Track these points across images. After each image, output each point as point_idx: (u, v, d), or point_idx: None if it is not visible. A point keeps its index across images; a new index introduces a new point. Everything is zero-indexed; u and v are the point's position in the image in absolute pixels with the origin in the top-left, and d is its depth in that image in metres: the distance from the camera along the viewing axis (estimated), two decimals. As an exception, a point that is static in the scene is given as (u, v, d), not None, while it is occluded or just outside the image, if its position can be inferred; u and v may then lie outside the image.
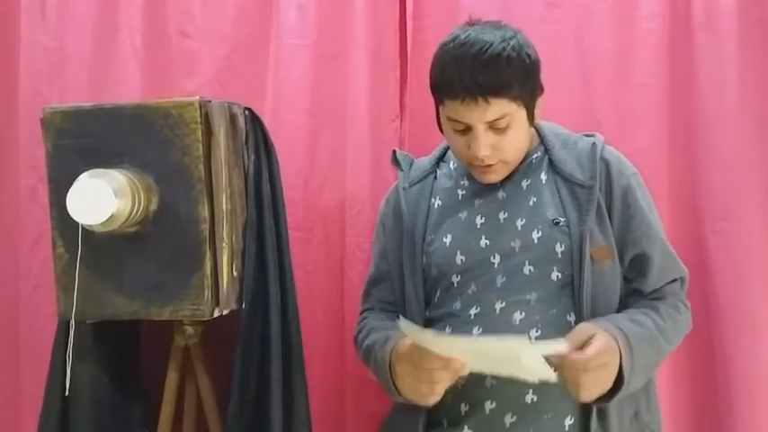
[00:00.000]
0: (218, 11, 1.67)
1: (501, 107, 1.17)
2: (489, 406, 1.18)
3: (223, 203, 1.30)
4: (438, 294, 1.28)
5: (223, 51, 1.67)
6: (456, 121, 1.20)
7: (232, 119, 1.36)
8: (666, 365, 1.52)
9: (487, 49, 1.15)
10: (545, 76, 1.57)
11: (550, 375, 1.04)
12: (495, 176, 1.26)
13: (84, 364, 1.38)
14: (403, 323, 1.13)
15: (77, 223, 1.23)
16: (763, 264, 1.51)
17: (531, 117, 1.24)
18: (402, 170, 1.38)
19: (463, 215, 1.29)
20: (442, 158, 1.39)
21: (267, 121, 1.47)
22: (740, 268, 1.50)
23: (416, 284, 1.29)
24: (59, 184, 1.28)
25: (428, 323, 1.27)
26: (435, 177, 1.36)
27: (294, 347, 1.41)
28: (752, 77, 1.53)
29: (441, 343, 1.09)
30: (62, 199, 1.21)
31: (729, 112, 1.52)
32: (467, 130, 1.20)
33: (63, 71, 1.68)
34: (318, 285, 1.61)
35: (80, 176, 1.21)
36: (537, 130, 1.31)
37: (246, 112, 1.42)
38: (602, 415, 1.17)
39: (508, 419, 1.17)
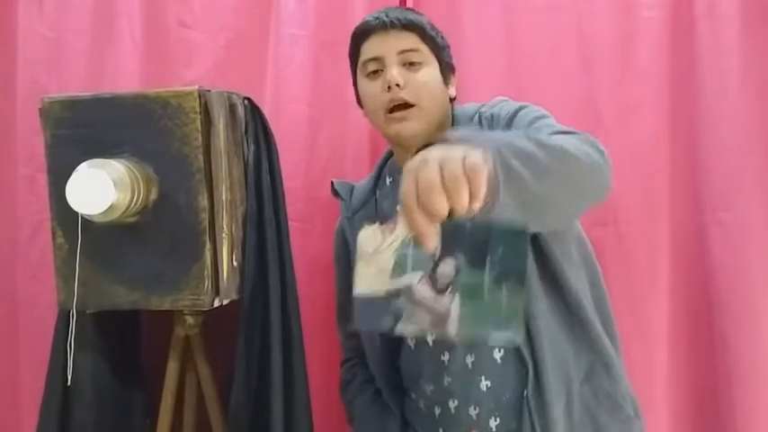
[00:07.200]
0: (217, 0, 1.66)
1: (413, 40, 1.25)
2: (452, 404, 1.23)
3: (223, 193, 1.30)
4: None
5: (222, 41, 1.66)
6: (369, 60, 1.26)
7: (231, 109, 1.35)
8: (667, 353, 1.52)
9: (399, 8, 1.31)
10: (546, 66, 1.58)
11: None
12: (411, 125, 1.24)
13: (84, 354, 1.38)
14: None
15: (77, 213, 1.23)
16: (764, 253, 1.51)
17: (444, 77, 1.27)
18: (343, 199, 1.41)
19: None
20: (379, 177, 1.40)
21: (267, 111, 1.47)
22: (741, 258, 1.50)
23: None
24: (58, 175, 1.27)
25: (384, 343, 1.34)
26: (377, 201, 1.38)
27: (294, 337, 1.41)
28: (753, 67, 1.52)
29: None
30: (61, 189, 1.20)
31: (731, 102, 1.52)
32: (380, 70, 1.25)
33: (61, 61, 1.67)
34: (318, 276, 1.61)
35: (79, 166, 1.21)
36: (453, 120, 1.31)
37: (246, 101, 1.41)
38: (538, 372, 1.17)
39: (473, 411, 1.22)
